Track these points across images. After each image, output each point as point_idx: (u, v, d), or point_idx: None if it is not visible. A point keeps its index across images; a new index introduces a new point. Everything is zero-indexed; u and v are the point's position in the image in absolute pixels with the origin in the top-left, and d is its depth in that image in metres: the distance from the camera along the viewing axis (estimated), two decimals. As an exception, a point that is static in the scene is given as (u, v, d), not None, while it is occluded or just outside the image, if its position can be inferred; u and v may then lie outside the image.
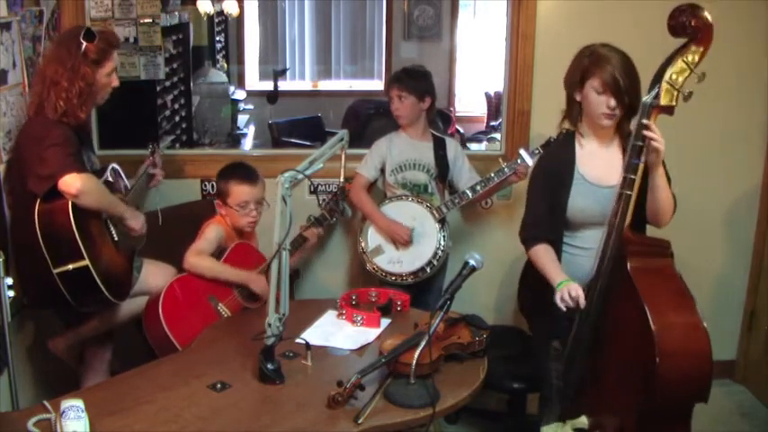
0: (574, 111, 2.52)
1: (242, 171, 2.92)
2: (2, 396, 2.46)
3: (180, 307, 2.68)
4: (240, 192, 2.86)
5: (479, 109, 6.62)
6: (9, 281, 2.29)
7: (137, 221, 2.76)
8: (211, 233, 2.85)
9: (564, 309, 2.34)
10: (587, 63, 2.41)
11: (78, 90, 2.58)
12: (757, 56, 3.51)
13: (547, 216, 2.54)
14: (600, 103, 2.39)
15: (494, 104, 6.16)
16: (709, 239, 3.54)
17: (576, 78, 2.45)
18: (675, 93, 2.21)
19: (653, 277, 2.21)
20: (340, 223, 3.51)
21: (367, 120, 5.36)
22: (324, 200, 3.26)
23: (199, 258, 2.76)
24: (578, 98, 2.47)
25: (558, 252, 2.53)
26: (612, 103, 2.37)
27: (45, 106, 2.56)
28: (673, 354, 2.08)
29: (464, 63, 6.67)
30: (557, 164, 2.56)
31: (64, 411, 1.89)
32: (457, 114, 6.40)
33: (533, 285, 2.58)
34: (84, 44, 2.59)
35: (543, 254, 2.51)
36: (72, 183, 2.43)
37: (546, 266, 2.47)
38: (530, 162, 3.15)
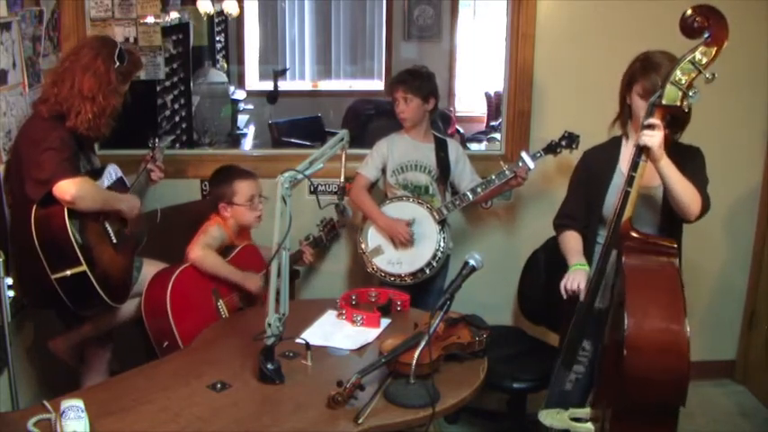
0: (624, 113, 2.54)
1: (240, 170, 3.03)
2: (2, 396, 2.46)
3: (188, 287, 2.72)
4: (246, 188, 2.94)
5: (479, 109, 6.61)
6: (9, 281, 2.29)
7: (133, 210, 2.77)
8: (216, 232, 2.89)
9: (565, 296, 2.48)
10: (636, 68, 2.45)
11: (112, 108, 2.64)
12: (757, 56, 3.51)
13: (580, 210, 2.65)
14: (640, 107, 2.41)
15: (494, 104, 6.15)
16: (709, 239, 3.54)
17: (626, 81, 2.49)
18: (680, 93, 2.20)
19: (645, 274, 2.23)
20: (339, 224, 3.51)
21: (367, 120, 5.36)
22: (323, 221, 3.33)
23: (206, 253, 2.79)
24: (628, 101, 2.49)
25: (592, 245, 2.60)
26: None
27: (68, 113, 2.55)
28: (643, 350, 2.08)
29: (464, 63, 6.66)
30: (600, 162, 2.61)
31: (64, 411, 1.89)
32: (457, 114, 6.39)
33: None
34: (117, 63, 2.63)
35: (568, 239, 2.66)
36: (67, 189, 2.41)
37: (567, 251, 2.62)
38: (531, 165, 3.14)
